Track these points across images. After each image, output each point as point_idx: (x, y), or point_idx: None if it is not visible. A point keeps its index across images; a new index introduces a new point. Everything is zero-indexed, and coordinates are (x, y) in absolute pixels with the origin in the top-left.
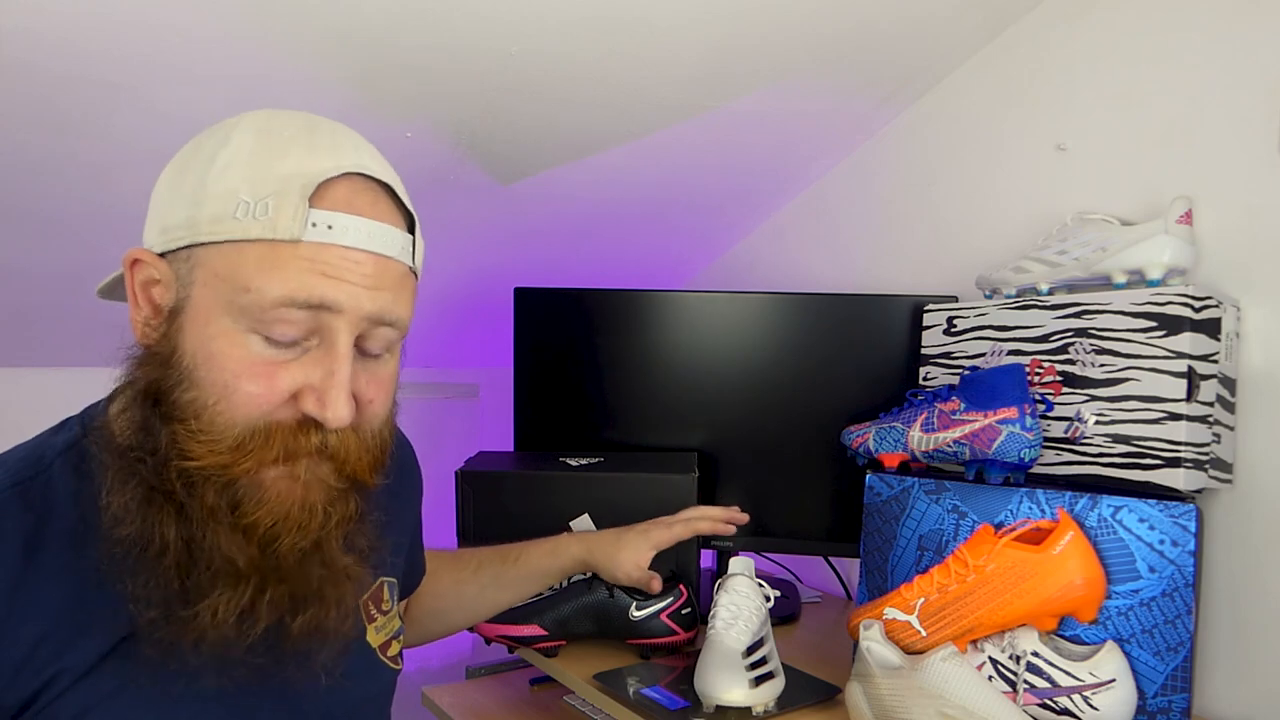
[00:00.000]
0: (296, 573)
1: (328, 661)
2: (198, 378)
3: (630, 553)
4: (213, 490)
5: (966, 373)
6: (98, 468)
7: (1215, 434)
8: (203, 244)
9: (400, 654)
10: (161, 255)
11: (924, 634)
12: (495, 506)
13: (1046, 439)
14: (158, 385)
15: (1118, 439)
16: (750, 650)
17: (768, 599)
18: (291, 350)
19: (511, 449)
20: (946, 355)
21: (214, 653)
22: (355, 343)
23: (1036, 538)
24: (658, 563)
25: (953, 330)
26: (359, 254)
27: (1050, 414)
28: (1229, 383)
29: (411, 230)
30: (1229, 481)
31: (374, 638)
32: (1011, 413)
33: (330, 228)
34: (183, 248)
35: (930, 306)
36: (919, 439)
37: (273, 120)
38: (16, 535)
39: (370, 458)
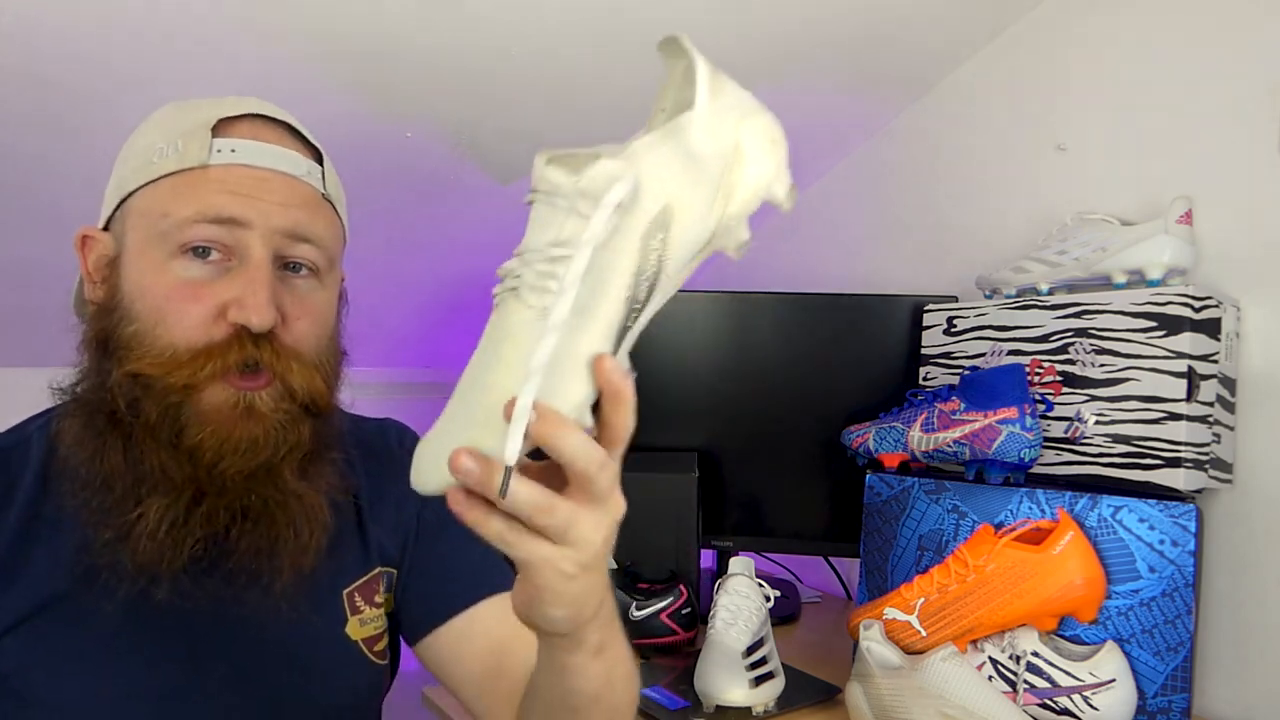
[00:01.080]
0: (240, 489)
1: (286, 589)
2: (135, 311)
3: None
4: (154, 405)
5: (966, 373)
6: (60, 419)
7: (1215, 434)
8: (129, 195)
9: (385, 650)
10: (106, 229)
11: (924, 634)
12: None
13: (1046, 439)
14: (104, 331)
15: (1118, 439)
16: (750, 650)
17: (768, 599)
18: (214, 269)
19: None
20: (946, 355)
21: (154, 566)
22: (278, 263)
23: (1036, 538)
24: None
25: (953, 330)
26: (264, 172)
27: (1050, 414)
28: (1229, 383)
29: (320, 162)
30: (1229, 481)
31: (357, 630)
32: (1011, 413)
33: (234, 151)
34: (116, 209)
35: (930, 306)
36: (919, 439)
37: (183, 100)
38: None
39: (319, 376)
